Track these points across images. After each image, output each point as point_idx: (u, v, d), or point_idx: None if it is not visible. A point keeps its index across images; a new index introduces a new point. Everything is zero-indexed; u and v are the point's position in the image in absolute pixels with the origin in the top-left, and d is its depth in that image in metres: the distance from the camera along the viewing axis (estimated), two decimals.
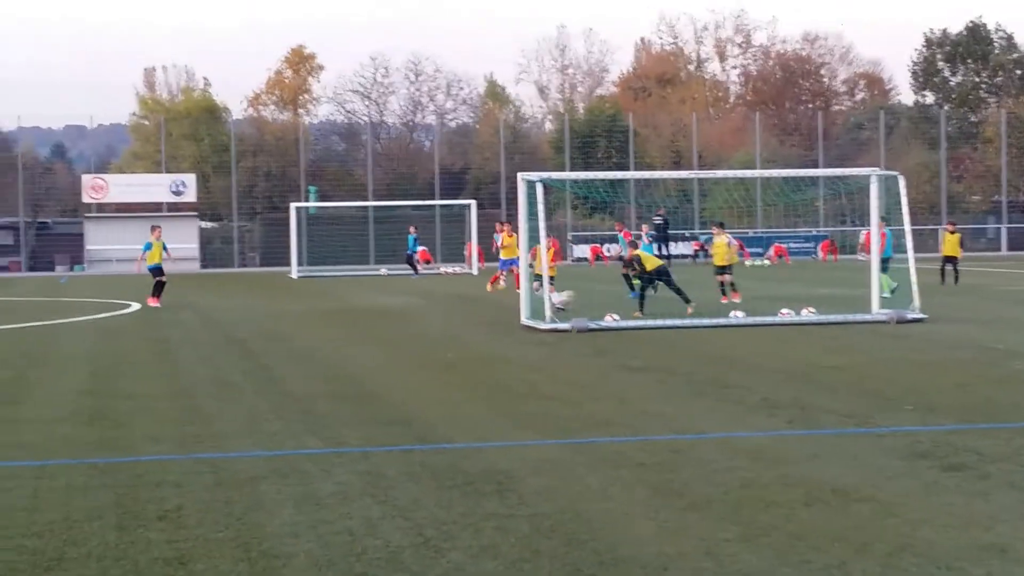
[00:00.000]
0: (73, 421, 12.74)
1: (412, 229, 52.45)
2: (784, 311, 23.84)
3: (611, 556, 7.54)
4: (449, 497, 9.04)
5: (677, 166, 72.62)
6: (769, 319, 23.22)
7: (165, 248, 31.90)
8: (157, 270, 31.36)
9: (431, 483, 9.51)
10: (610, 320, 22.85)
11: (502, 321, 24.62)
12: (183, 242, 65.58)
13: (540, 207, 22.86)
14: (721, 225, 30.80)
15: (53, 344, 21.68)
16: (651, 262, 25.28)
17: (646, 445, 11.00)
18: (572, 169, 64.57)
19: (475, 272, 50.50)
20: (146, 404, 13.90)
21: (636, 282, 25.97)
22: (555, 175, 32.08)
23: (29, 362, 18.56)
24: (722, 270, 29.16)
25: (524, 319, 23.21)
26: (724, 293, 28.65)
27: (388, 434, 11.74)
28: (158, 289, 31.05)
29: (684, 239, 61.75)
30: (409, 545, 7.77)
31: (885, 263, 27.71)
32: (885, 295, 25.89)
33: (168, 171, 70.99)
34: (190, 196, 68.08)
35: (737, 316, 23.42)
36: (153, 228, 32.89)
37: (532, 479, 9.60)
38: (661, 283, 24.84)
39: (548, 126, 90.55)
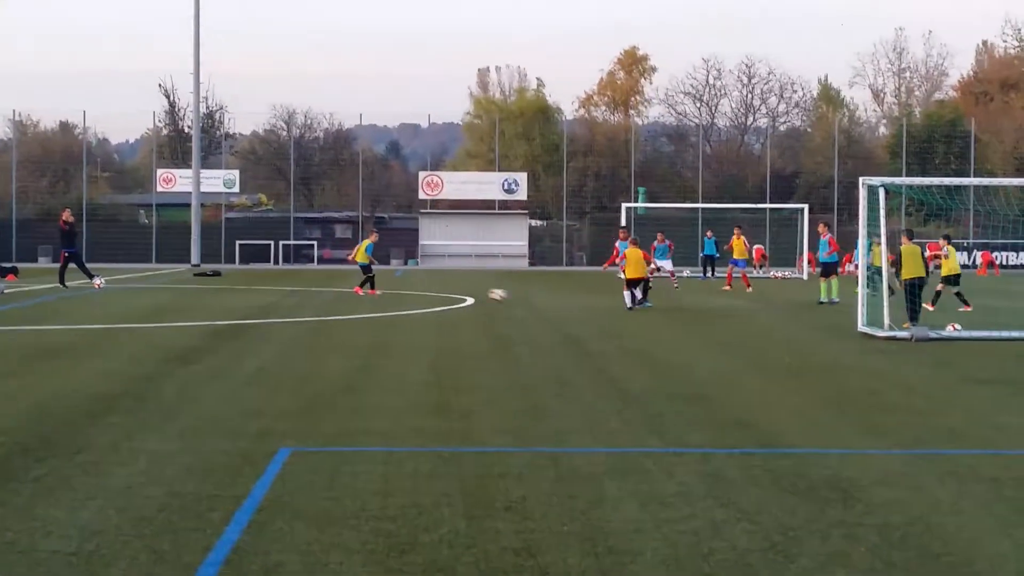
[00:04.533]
0: (418, 410, 13.05)
1: (709, 233, 52.03)
2: None
3: (968, 571, 7.28)
4: (793, 503, 8.87)
5: (1020, 173, 69.90)
6: None
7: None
8: (367, 267, 35.47)
9: (774, 488, 9.36)
10: (951, 330, 22.14)
11: (838, 327, 24.16)
12: (513, 239, 66.87)
13: (881, 212, 22.33)
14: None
15: (396, 335, 22.30)
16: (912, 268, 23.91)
17: (1000, 460, 10.58)
18: (908, 174, 62.86)
19: (805, 277, 49.71)
20: (487, 397, 14.14)
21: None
22: (896, 180, 31.18)
23: (375, 352, 19.14)
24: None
25: (861, 326, 22.69)
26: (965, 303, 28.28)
27: (728, 436, 11.63)
28: (370, 282, 35.09)
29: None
30: (756, 549, 7.66)
31: None
32: None
33: (500, 170, 72.30)
34: (521, 195, 69.24)
35: None
36: (371, 232, 38.14)
37: (878, 489, 9.34)
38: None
39: (882, 130, 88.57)
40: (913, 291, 23.24)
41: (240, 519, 8.22)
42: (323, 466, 9.99)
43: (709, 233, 52.04)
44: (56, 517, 8.28)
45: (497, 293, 30.29)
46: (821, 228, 34.27)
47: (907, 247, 24.17)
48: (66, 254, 38.41)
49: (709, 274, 49.90)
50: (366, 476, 9.64)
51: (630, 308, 28.58)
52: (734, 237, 40.48)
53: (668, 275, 41.23)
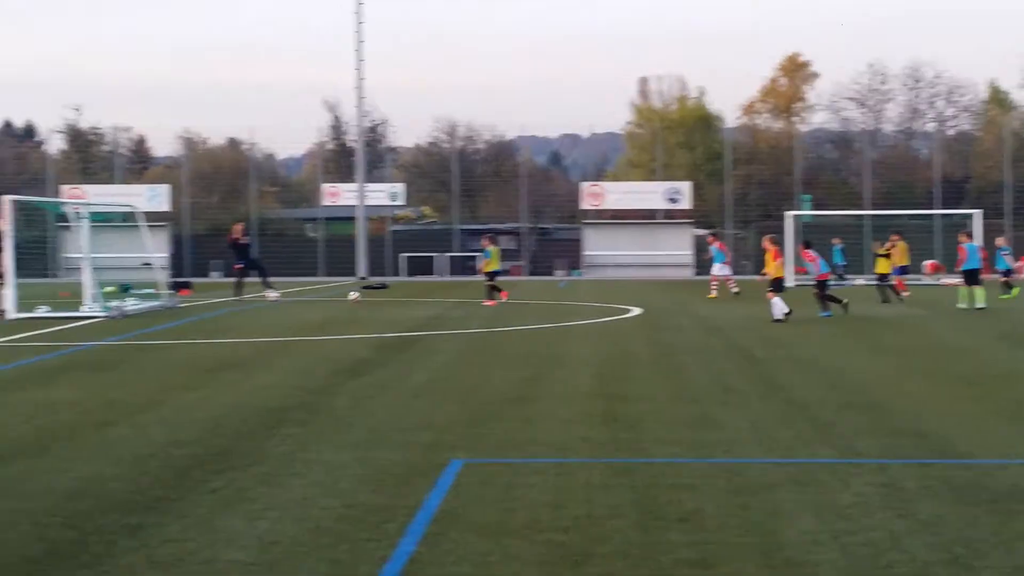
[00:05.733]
0: (587, 421, 13.04)
1: (836, 241, 51.66)
2: None
3: None
4: (974, 514, 8.67)
5: None
6: None
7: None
8: (494, 275, 36.31)
9: (952, 498, 9.16)
10: None
11: (1016, 334, 23.59)
12: (678, 249, 66.56)
13: None
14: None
15: (563, 346, 22.30)
16: None
17: None
18: None
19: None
20: (655, 407, 14.07)
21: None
22: None
23: (544, 362, 19.17)
24: None
25: None
26: None
27: (903, 446, 11.41)
28: (494, 291, 35.81)
29: None
30: (937, 561, 7.50)
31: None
32: None
33: (663, 179, 72.03)
34: (684, 204, 68.90)
35: None
36: (491, 239, 37.66)
37: None
38: None
39: None
40: None
41: (415, 530, 8.28)
42: (494, 477, 10.03)
43: (836, 241, 51.72)
44: (235, 527, 8.44)
45: (352, 295, 33.74)
46: (962, 237, 33.48)
47: None
48: (240, 267, 39.37)
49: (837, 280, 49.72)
50: (538, 487, 9.64)
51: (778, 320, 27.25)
52: (891, 243, 39.52)
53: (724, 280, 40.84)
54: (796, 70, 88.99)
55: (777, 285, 28.28)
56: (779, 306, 27.47)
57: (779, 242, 31.91)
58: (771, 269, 28.53)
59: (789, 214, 54.85)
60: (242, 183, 77.20)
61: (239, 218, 64.91)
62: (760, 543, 7.96)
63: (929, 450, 11.22)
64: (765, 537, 8.10)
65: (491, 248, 37.13)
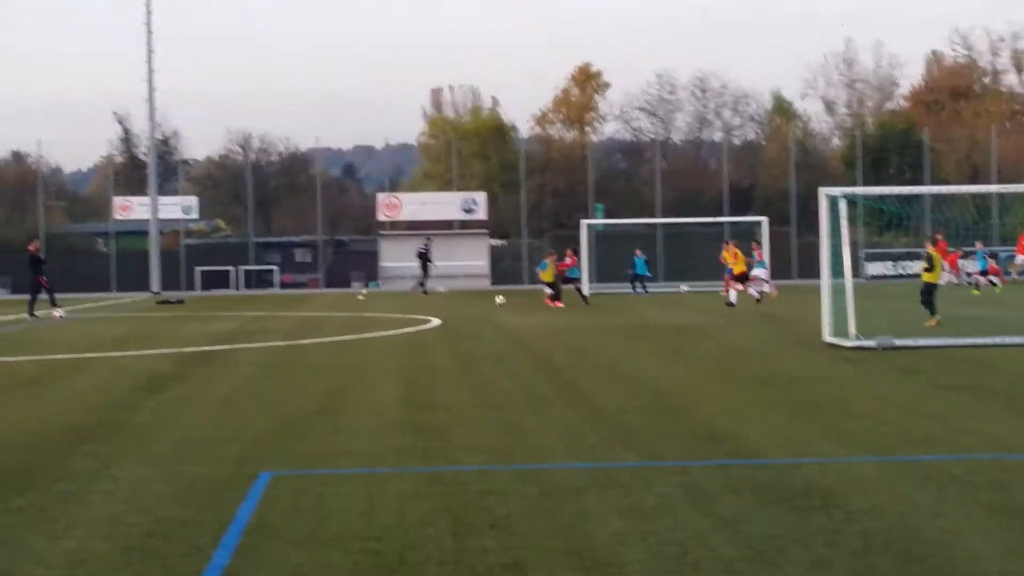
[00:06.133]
0: (394, 430, 13.10)
1: (639, 252, 52.92)
2: None
3: (951, 574, 7.41)
4: (774, 512, 8.97)
5: (974, 181, 70.51)
6: None
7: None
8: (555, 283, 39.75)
9: (753, 497, 9.46)
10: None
11: (803, 338, 24.34)
12: (474, 259, 66.95)
13: (843, 222, 22.54)
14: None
15: (366, 357, 22.32)
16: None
17: (973, 464, 10.70)
18: (864, 184, 63.26)
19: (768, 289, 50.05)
20: (461, 416, 14.20)
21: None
22: (856, 190, 31.42)
23: (348, 374, 19.17)
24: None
25: (827, 336, 22.88)
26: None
27: (703, 448, 11.74)
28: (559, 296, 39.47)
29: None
30: (741, 558, 7.75)
31: None
32: None
33: (458, 189, 72.38)
34: (480, 214, 69.32)
35: None
36: (550, 253, 42.00)
37: (857, 496, 9.46)
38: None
39: (836, 141, 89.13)
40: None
41: (228, 543, 8.26)
42: (305, 489, 10.03)
43: (639, 252, 52.84)
44: (41, 546, 8.30)
45: (499, 299, 39.88)
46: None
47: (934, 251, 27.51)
48: (44, 280, 38.60)
49: (640, 289, 51.28)
50: (349, 497, 9.68)
51: None
52: (727, 249, 41.01)
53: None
54: (587, 80, 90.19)
55: (740, 277, 38.62)
56: (732, 295, 37.76)
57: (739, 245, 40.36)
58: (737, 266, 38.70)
59: (584, 223, 55.56)
60: (28, 197, 75.27)
61: (27, 233, 63.30)
62: (570, 545, 8.11)
63: (728, 451, 11.55)
64: (575, 540, 8.26)
65: (547, 260, 41.23)
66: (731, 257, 39.68)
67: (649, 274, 52.90)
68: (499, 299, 40.96)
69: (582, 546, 8.09)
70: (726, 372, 18.70)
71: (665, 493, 9.65)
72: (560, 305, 38.88)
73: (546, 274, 40.81)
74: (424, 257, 56.90)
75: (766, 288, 40.72)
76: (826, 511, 8.97)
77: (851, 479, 10.12)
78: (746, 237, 61.76)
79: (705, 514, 8.92)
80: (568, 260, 42.48)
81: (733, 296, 37.93)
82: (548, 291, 40.24)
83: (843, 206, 22.64)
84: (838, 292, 23.07)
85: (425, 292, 55.25)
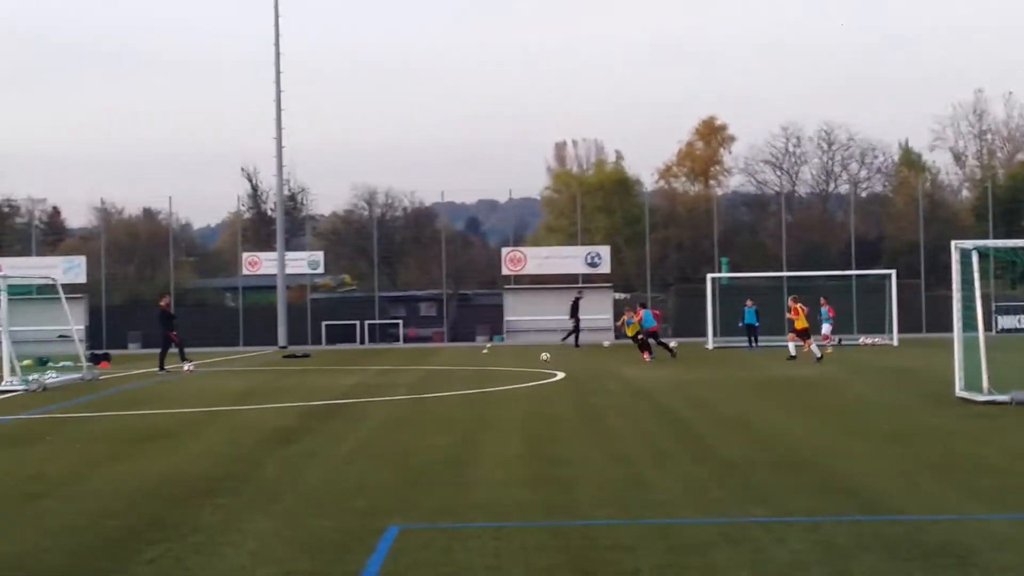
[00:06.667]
0: (520, 484, 13.06)
1: (749, 302, 52.35)
2: None
3: None
4: (908, 569, 8.80)
5: None
6: None
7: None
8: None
9: (887, 555, 9.28)
10: None
11: (934, 392, 23.90)
12: (599, 313, 66.82)
13: (975, 275, 22.15)
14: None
15: (491, 410, 22.32)
16: None
17: None
18: (994, 236, 62.25)
19: (895, 343, 49.48)
20: (587, 470, 14.12)
21: None
22: (988, 242, 30.87)
23: (473, 427, 19.19)
24: None
25: (959, 391, 22.46)
26: None
27: (835, 503, 11.54)
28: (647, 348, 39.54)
29: None
30: None
31: None
32: None
33: (582, 243, 72.41)
34: (604, 267, 69.24)
35: None
36: (631, 308, 42.91)
37: (995, 554, 9.24)
38: None
39: (965, 193, 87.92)
40: None
41: None
42: (432, 542, 10.02)
43: (749, 302, 52.33)
44: None
45: (544, 355, 40.58)
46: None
47: None
48: (174, 334, 39.30)
49: (753, 344, 50.72)
50: (476, 551, 9.65)
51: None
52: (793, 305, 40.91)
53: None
54: (712, 133, 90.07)
55: (803, 333, 39.19)
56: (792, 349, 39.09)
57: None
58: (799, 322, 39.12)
59: (709, 276, 55.29)
60: (159, 253, 76.72)
61: (158, 288, 64.52)
62: None
63: (860, 507, 11.34)
64: None
65: (631, 316, 41.94)
66: (796, 313, 39.65)
67: (757, 324, 52.21)
68: (544, 356, 41.46)
69: None
70: (854, 426, 18.42)
71: (797, 549, 9.50)
72: (648, 358, 38.99)
73: (630, 329, 41.72)
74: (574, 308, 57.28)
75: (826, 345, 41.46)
76: (962, 569, 8.78)
77: (989, 536, 9.89)
78: (871, 290, 61.23)
79: (838, 571, 8.77)
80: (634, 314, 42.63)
81: (792, 349, 39.15)
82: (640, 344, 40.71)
83: (975, 259, 22.23)
84: (969, 346, 22.64)
85: (577, 345, 55.17)
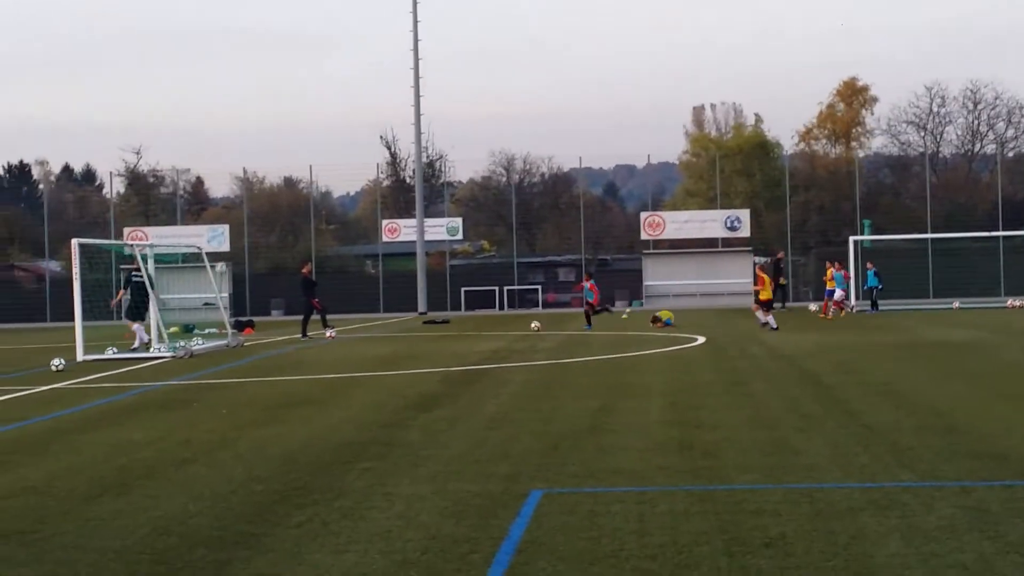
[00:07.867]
0: (663, 449, 12.99)
1: (870, 265, 51.73)
2: None
3: None
4: None
5: None
6: None
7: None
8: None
9: None
10: None
11: None
12: (738, 277, 66.38)
13: None
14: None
15: (632, 375, 22.29)
16: None
17: None
18: None
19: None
20: (731, 434, 14.01)
21: None
22: None
23: (614, 392, 19.15)
24: None
25: None
26: None
27: (985, 468, 11.31)
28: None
29: None
30: None
31: None
32: None
33: (721, 207, 71.89)
34: (744, 231, 68.72)
35: None
36: (763, 267, 42.35)
37: None
38: None
39: None
40: None
41: (501, 560, 8.29)
42: (576, 507, 10.02)
43: (870, 264, 51.69)
44: (323, 561, 8.46)
45: (534, 324, 40.78)
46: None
47: None
48: (317, 301, 39.82)
49: (870, 307, 50.79)
50: (621, 516, 9.62)
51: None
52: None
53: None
54: (854, 95, 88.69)
55: (766, 304, 37.46)
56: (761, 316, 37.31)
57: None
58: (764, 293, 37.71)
59: (852, 239, 54.58)
60: (300, 221, 77.71)
61: (299, 256, 65.41)
62: (848, 566, 7.91)
63: (1014, 472, 11.11)
64: (852, 561, 8.04)
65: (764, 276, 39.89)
66: (761, 283, 38.62)
67: (880, 286, 51.42)
68: (535, 324, 41.24)
69: (860, 568, 7.87)
70: (1007, 390, 18.05)
71: (947, 514, 9.33)
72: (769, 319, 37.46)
73: (763, 291, 39.24)
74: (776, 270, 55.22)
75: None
76: None
77: None
78: (1019, 251, 59.87)
79: (990, 537, 8.59)
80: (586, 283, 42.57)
81: (761, 316, 37.28)
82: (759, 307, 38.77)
83: None
84: None
85: (784, 307, 53.68)
